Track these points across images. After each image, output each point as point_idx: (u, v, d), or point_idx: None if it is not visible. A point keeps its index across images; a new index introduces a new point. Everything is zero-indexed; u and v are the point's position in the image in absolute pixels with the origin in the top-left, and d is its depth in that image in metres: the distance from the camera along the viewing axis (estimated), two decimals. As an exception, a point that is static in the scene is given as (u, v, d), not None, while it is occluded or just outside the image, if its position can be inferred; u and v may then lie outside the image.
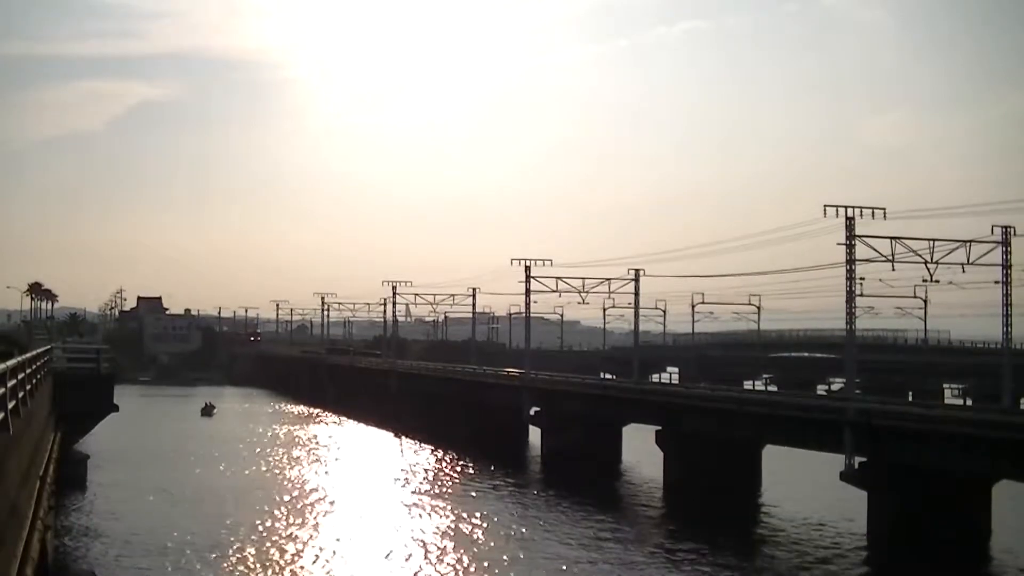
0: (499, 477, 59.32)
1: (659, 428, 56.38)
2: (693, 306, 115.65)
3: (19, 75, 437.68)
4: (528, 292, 76.61)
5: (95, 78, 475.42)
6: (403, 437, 79.20)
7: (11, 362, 19.88)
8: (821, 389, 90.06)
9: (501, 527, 42.96)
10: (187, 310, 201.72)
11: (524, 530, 42.69)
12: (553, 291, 77.79)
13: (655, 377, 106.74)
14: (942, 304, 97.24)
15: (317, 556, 37.05)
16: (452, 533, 41.50)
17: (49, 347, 48.35)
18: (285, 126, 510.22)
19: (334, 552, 37.71)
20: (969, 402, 76.64)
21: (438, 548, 38.64)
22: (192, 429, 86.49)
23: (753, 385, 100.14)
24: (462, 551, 37.99)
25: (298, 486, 53.98)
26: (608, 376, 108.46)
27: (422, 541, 39.92)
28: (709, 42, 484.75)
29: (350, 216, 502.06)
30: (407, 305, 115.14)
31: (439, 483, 56.36)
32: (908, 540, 39.40)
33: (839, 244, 45.05)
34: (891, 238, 46.53)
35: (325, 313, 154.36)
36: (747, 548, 41.21)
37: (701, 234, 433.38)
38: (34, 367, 27.81)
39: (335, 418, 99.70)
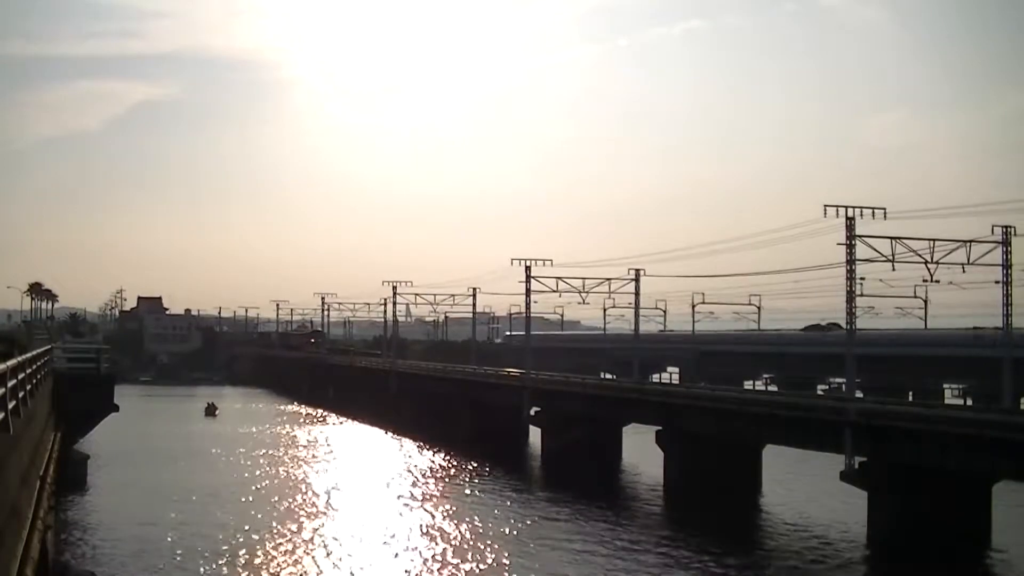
0: (499, 477, 59.36)
1: (659, 428, 56.38)
2: (693, 306, 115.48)
3: (19, 75, 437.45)
4: (528, 292, 76.58)
5: (95, 78, 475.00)
6: (403, 437, 79.20)
7: (11, 362, 19.90)
8: (821, 389, 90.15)
9: (501, 527, 42.96)
10: (187, 310, 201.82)
11: (524, 530, 42.69)
12: (553, 291, 77.79)
13: (655, 377, 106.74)
14: (942, 304, 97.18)
15: (317, 556, 37.06)
16: (452, 533, 41.50)
17: (49, 347, 48.38)
18: (285, 126, 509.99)
19: (334, 552, 37.72)
20: (969, 402, 76.70)
21: (438, 548, 38.64)
22: (195, 429, 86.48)
23: (753, 385, 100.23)
24: (462, 551, 37.98)
25: (299, 486, 54.01)
26: (608, 376, 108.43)
27: (422, 541, 39.95)
28: (709, 42, 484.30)
29: (350, 216, 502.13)
30: (407, 305, 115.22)
31: (439, 483, 56.38)
32: (908, 540, 39.38)
33: (839, 244, 45.04)
34: (891, 238, 46.52)
35: (325, 313, 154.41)
36: (747, 548, 41.19)
37: (701, 234, 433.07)
38: (34, 367, 27.83)
39: (336, 418, 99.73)
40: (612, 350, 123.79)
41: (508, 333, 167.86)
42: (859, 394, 55.44)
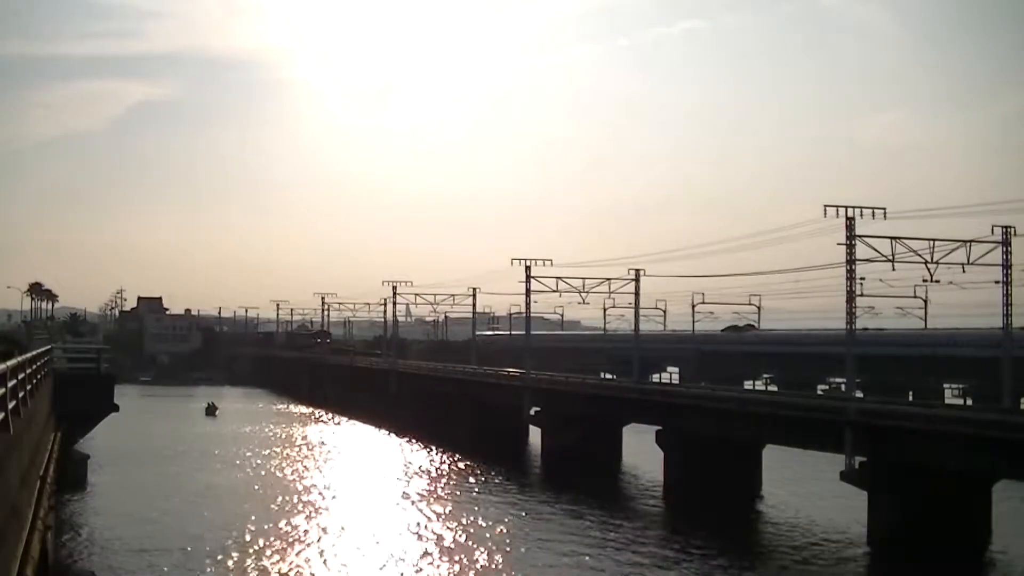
0: (499, 477, 59.36)
1: (659, 428, 56.40)
2: (693, 306, 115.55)
3: (19, 75, 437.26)
4: (528, 292, 76.56)
5: (95, 78, 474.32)
6: (403, 437, 79.21)
7: (11, 362, 19.91)
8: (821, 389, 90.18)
9: (501, 527, 42.98)
10: (187, 310, 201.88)
11: (524, 530, 42.71)
12: (553, 291, 77.70)
13: (655, 377, 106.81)
14: (942, 304, 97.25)
15: (318, 556, 37.07)
16: (452, 533, 41.52)
17: (49, 347, 48.40)
18: (285, 126, 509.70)
19: (335, 552, 37.73)
20: (969, 402, 76.69)
21: (438, 548, 38.67)
22: (195, 429, 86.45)
23: (753, 385, 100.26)
24: (462, 551, 38.01)
25: (299, 486, 54.01)
26: (608, 376, 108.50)
27: (422, 541, 39.96)
28: (708, 42, 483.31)
29: (350, 216, 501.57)
30: (407, 305, 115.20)
31: (439, 483, 56.40)
32: (908, 540, 39.39)
33: (839, 244, 44.99)
34: (891, 238, 46.45)
35: (325, 313, 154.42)
36: (747, 548, 41.23)
37: (701, 234, 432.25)
38: (34, 367, 27.84)
39: (335, 418, 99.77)
40: (612, 350, 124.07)
41: (491, 332, 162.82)
42: (859, 394, 55.45)
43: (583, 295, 77.66)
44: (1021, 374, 52.29)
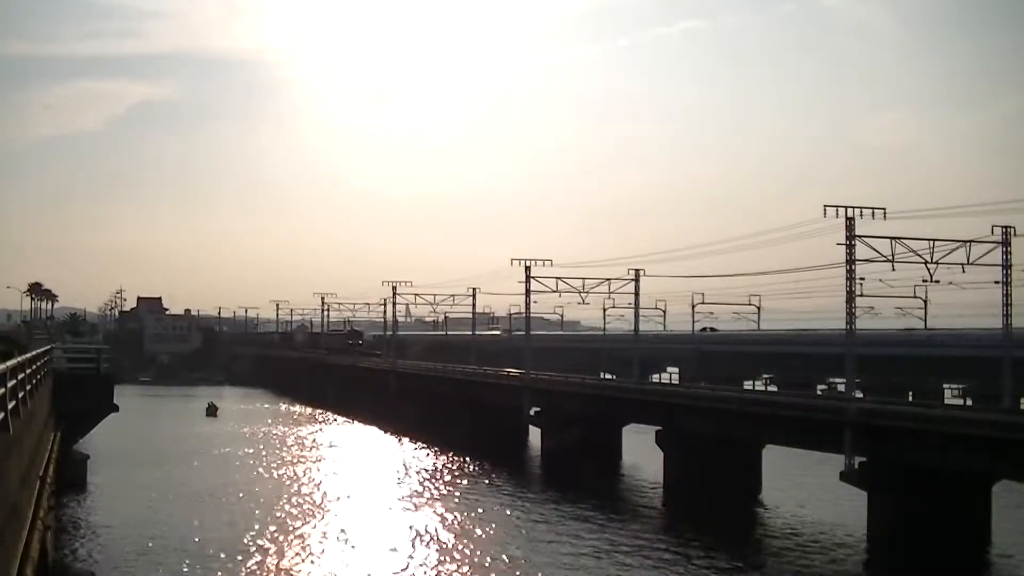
0: (499, 477, 59.37)
1: (659, 428, 56.39)
2: (693, 306, 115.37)
3: (19, 75, 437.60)
4: (528, 292, 76.54)
5: (95, 78, 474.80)
6: (403, 437, 79.20)
7: (11, 362, 19.90)
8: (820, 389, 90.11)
9: (501, 527, 42.99)
10: (187, 310, 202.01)
11: (524, 530, 42.73)
12: (553, 291, 77.62)
13: (655, 377, 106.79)
14: (942, 304, 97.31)
15: (319, 556, 37.10)
16: (452, 533, 41.53)
17: (49, 347, 48.37)
18: (285, 126, 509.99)
19: (335, 552, 37.77)
20: (969, 402, 76.64)
21: (438, 548, 38.67)
22: (195, 429, 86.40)
23: (753, 385, 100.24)
24: (462, 551, 38.02)
25: (300, 486, 54.00)
26: (608, 376, 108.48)
27: (422, 541, 39.95)
28: (708, 42, 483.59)
29: (350, 216, 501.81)
30: (407, 305, 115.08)
31: (439, 483, 56.37)
32: (908, 540, 39.40)
33: (839, 244, 44.99)
34: (891, 238, 46.44)
35: (325, 313, 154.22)
36: (747, 548, 41.20)
37: (701, 234, 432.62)
38: (34, 367, 27.82)
39: (336, 418, 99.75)
40: (612, 350, 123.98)
41: (490, 331, 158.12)
42: (859, 394, 55.44)
43: (583, 295, 77.65)
44: (1021, 374, 52.26)
